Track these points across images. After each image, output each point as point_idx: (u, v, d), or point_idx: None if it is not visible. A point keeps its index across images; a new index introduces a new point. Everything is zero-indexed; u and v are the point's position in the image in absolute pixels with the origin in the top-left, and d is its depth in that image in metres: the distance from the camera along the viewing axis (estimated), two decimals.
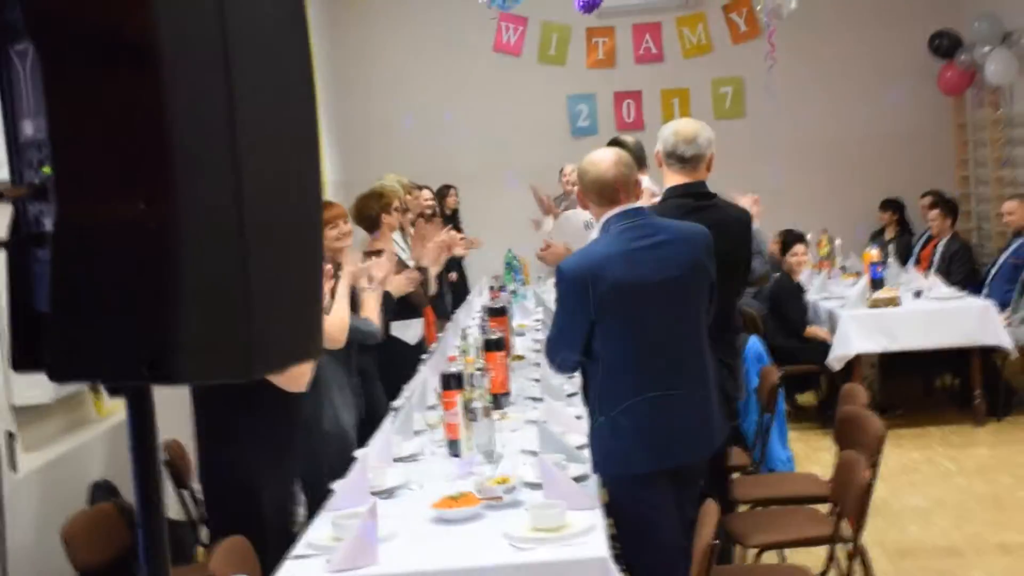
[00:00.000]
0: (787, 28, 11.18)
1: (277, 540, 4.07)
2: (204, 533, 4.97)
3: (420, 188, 9.00)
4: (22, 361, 1.78)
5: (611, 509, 4.25)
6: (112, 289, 1.70)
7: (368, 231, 7.04)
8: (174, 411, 4.65)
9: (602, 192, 4.24)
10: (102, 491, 4.81)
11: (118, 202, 1.68)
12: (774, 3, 10.44)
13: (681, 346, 4.26)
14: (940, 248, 10.40)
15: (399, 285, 6.64)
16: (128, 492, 4.00)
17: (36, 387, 4.79)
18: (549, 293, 8.07)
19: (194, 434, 4.57)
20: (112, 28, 1.66)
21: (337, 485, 4.12)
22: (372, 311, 5.80)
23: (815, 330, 9.03)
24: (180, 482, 5.13)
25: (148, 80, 1.65)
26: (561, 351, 4.36)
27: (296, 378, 4.32)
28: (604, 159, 4.29)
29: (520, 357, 6.61)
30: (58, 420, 5.11)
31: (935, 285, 9.44)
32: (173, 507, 5.08)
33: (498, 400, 5.30)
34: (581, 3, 9.32)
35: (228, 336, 1.78)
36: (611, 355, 4.20)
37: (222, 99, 1.75)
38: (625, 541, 4.20)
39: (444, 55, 12.51)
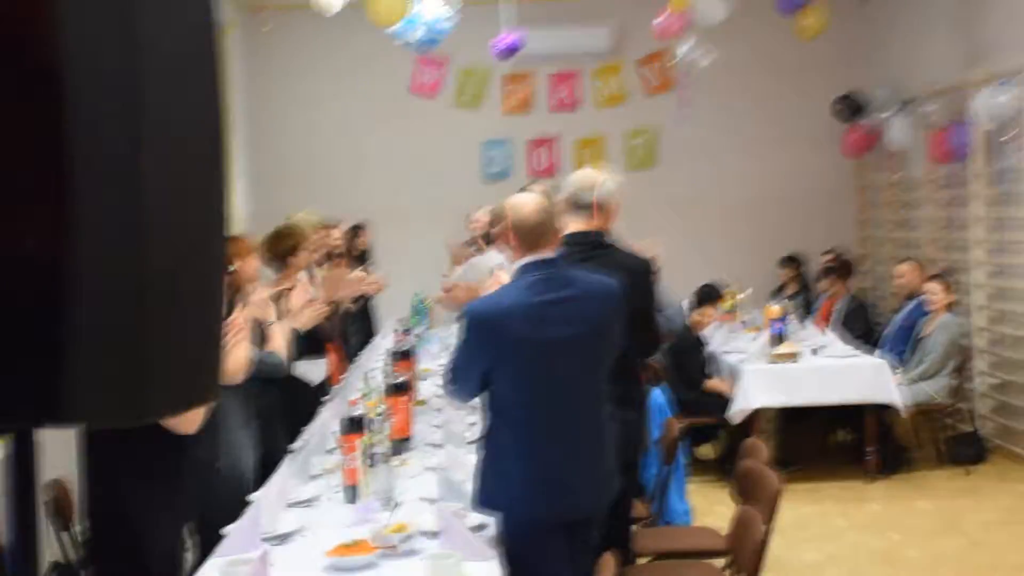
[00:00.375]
0: (700, 83, 11.31)
1: None
2: None
3: (329, 227, 8.90)
4: None
5: (505, 558, 4.20)
6: (4, 324, 1.64)
7: (276, 270, 6.94)
8: (58, 447, 4.49)
9: (523, 237, 4.21)
10: None
11: (8, 234, 1.63)
12: (688, 59, 10.56)
13: (577, 401, 4.25)
14: (838, 306, 10.53)
15: (307, 318, 6.53)
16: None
17: None
18: (455, 338, 8.02)
19: (79, 472, 4.41)
20: (12, 49, 1.61)
21: (228, 529, 4.00)
22: (279, 344, 5.69)
23: (715, 383, 9.05)
24: (63, 523, 4.95)
25: (49, 106, 1.60)
26: (457, 383, 4.36)
27: (187, 420, 4.19)
28: (528, 204, 4.27)
29: (423, 402, 6.52)
30: None
31: (833, 342, 9.56)
32: (54, 549, 4.90)
33: (399, 445, 5.22)
34: (499, 49, 9.32)
35: (122, 378, 1.72)
36: (506, 401, 4.18)
37: (128, 130, 1.70)
38: None
39: (361, 94, 12.46)
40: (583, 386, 4.26)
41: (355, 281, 7.99)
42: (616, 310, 4.34)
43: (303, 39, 12.29)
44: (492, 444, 4.25)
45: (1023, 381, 9.23)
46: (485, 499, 4.19)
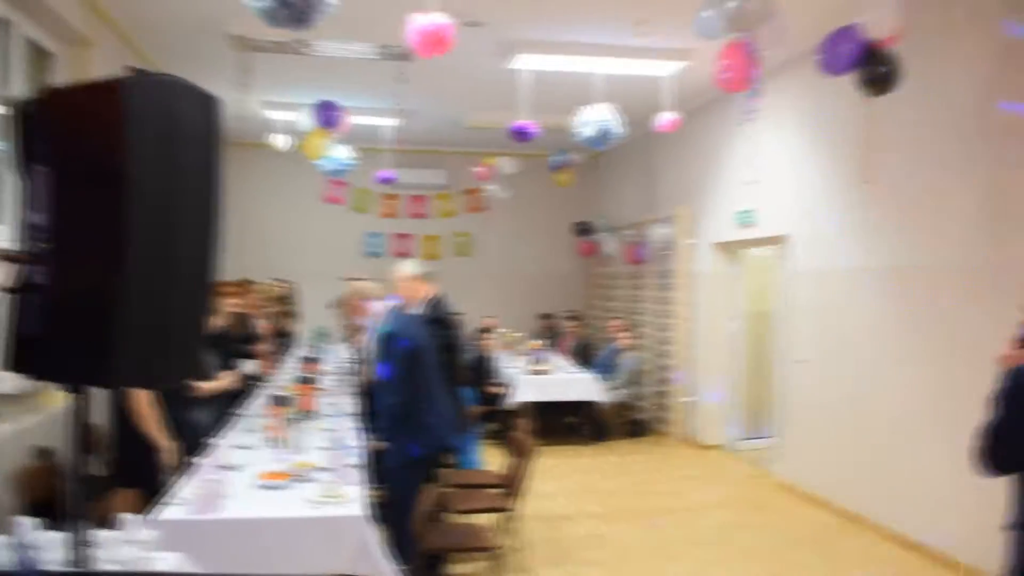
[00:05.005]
0: (500, 207, 11.50)
1: (160, 490, 3.82)
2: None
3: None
4: (18, 366, 1.75)
5: (392, 485, 4.20)
6: (79, 325, 1.68)
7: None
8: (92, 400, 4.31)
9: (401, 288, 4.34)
10: (43, 453, 4.39)
11: (88, 270, 1.67)
12: (494, 192, 10.80)
13: (438, 386, 4.37)
14: (572, 344, 10.78)
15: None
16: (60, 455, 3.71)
17: (9, 381, 4.36)
18: (339, 352, 7.88)
19: (109, 417, 4.23)
20: (100, 161, 1.65)
21: (199, 460, 3.91)
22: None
23: (493, 387, 9.13)
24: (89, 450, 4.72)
25: (118, 192, 1.66)
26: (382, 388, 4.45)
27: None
28: (403, 269, 4.41)
29: (322, 389, 6.44)
30: (20, 404, 4.64)
31: (568, 364, 9.75)
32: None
33: (306, 415, 5.17)
34: (380, 179, 9.36)
35: (151, 359, 1.76)
36: (411, 391, 4.26)
37: (165, 211, 1.75)
38: (397, 506, 4.16)
39: (289, 201, 12.21)
40: (440, 378, 4.53)
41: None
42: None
43: (254, 166, 11.99)
44: (400, 415, 4.35)
45: (667, 390, 9.54)
46: (414, 445, 4.31)
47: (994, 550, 4.80)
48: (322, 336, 9.92)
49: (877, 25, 4.78)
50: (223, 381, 4.98)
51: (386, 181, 9.38)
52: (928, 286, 5.53)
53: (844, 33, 4.90)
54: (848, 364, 6.42)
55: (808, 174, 6.98)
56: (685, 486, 7.33)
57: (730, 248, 8.74)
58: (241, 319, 6.57)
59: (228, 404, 5.81)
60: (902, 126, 5.64)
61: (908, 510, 5.70)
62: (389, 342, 4.32)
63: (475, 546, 4.37)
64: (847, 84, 5.06)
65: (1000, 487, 4.72)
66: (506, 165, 10.63)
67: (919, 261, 5.62)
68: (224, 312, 5.64)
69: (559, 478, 7.64)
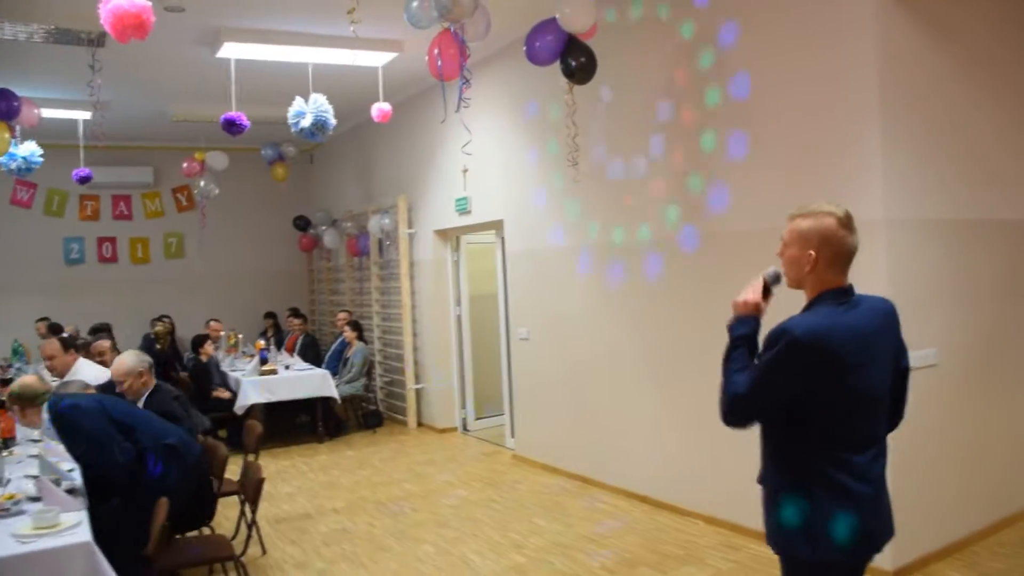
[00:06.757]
0: (213, 204, 10.92)
1: None
2: None
3: None
4: None
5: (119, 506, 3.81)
6: None
7: None
8: None
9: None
10: None
11: None
12: (205, 189, 10.17)
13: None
14: (300, 341, 10.50)
15: None
16: None
17: None
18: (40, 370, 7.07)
19: None
20: None
21: None
22: None
23: (219, 392, 8.66)
24: None
25: None
26: None
27: None
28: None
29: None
30: None
31: (297, 362, 9.49)
32: None
33: (6, 442, 4.55)
34: (77, 177, 8.43)
35: None
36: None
37: None
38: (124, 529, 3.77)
39: None
40: None
41: None
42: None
43: None
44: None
45: (400, 379, 9.62)
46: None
47: (717, 499, 5.39)
48: (18, 354, 8.81)
49: (574, 20, 5.10)
50: None
51: (83, 180, 8.47)
52: (629, 260, 6.05)
53: (546, 25, 5.19)
54: (565, 338, 6.85)
55: (518, 160, 7.33)
56: (424, 471, 7.43)
57: (450, 235, 8.96)
58: None
59: None
60: (601, 113, 6.09)
61: (629, 467, 6.22)
62: (64, 421, 3.84)
63: (217, 557, 4.12)
64: (552, 73, 5.37)
65: (713, 439, 5.30)
66: (217, 160, 10.07)
67: (618, 238, 6.11)
68: None
69: (297, 477, 7.43)
